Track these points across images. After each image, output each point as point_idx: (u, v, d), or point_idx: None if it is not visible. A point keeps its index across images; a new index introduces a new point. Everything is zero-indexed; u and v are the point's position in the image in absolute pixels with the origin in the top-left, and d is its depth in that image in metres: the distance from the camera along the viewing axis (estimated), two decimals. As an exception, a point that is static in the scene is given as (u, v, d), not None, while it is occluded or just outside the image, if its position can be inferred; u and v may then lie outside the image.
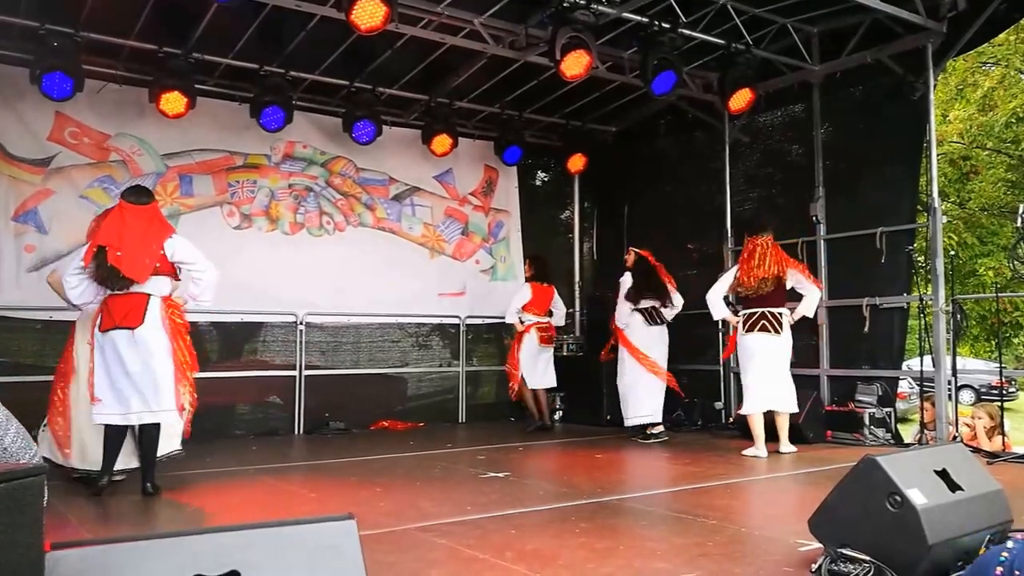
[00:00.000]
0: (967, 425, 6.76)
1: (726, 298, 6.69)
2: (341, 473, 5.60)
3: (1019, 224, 6.80)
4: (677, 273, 7.52)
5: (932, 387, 6.58)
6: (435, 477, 5.46)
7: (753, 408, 6.20)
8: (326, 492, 4.92)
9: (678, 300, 7.25)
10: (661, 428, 7.14)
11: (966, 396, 17.02)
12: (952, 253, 10.37)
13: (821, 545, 3.02)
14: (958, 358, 7.06)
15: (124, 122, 7.32)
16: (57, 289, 5.29)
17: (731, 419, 7.57)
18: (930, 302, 6.58)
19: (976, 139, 16.52)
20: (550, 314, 8.12)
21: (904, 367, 7.91)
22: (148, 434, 4.67)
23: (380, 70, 7.72)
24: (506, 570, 3.11)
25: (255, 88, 7.32)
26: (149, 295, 4.64)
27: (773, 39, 7.43)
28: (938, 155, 7.95)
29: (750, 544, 3.53)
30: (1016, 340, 19.00)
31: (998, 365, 8.05)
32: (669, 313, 7.29)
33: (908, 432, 7.81)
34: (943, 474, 2.95)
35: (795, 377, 6.41)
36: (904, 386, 10.72)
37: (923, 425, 6.60)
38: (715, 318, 6.70)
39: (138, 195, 4.82)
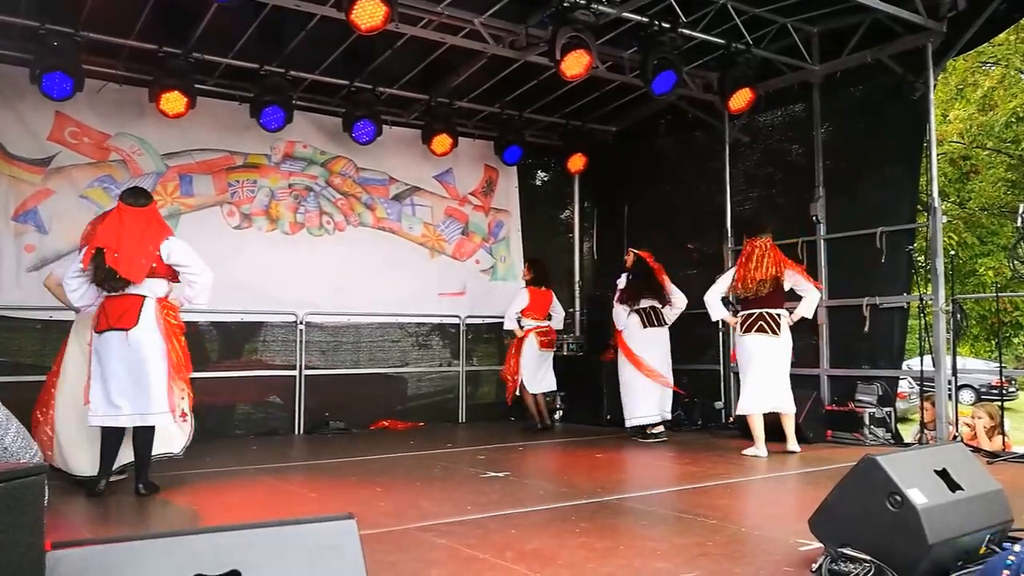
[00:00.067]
0: (967, 425, 6.77)
1: (726, 299, 6.69)
2: (341, 473, 5.60)
3: (1019, 224, 6.81)
4: (677, 273, 7.52)
5: (932, 387, 6.58)
6: (435, 477, 5.46)
7: (749, 408, 6.20)
8: (326, 492, 4.92)
9: (680, 301, 7.24)
10: (662, 428, 7.14)
11: (966, 396, 17.03)
12: (952, 253, 10.37)
13: (821, 545, 3.03)
14: (958, 358, 7.06)
15: (124, 122, 7.32)
16: (54, 292, 5.28)
17: (731, 419, 7.56)
18: (930, 302, 6.58)
19: (976, 139, 16.52)
20: (549, 318, 8.12)
21: (904, 367, 7.91)
22: (141, 436, 4.66)
23: (380, 70, 7.72)
24: (506, 570, 3.11)
25: (255, 88, 7.32)
26: (144, 296, 4.64)
27: (773, 39, 7.43)
28: (938, 155, 7.96)
29: (750, 544, 3.53)
30: (1016, 340, 19.00)
31: (998, 365, 8.06)
32: (670, 313, 7.28)
33: (908, 432, 7.81)
34: (943, 474, 2.95)
35: (795, 377, 6.41)
36: (904, 386, 10.72)
37: (923, 425, 6.60)
38: (713, 319, 6.71)
39: (136, 197, 4.82)
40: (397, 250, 8.72)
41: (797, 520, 3.40)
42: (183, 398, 4.78)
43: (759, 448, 6.11)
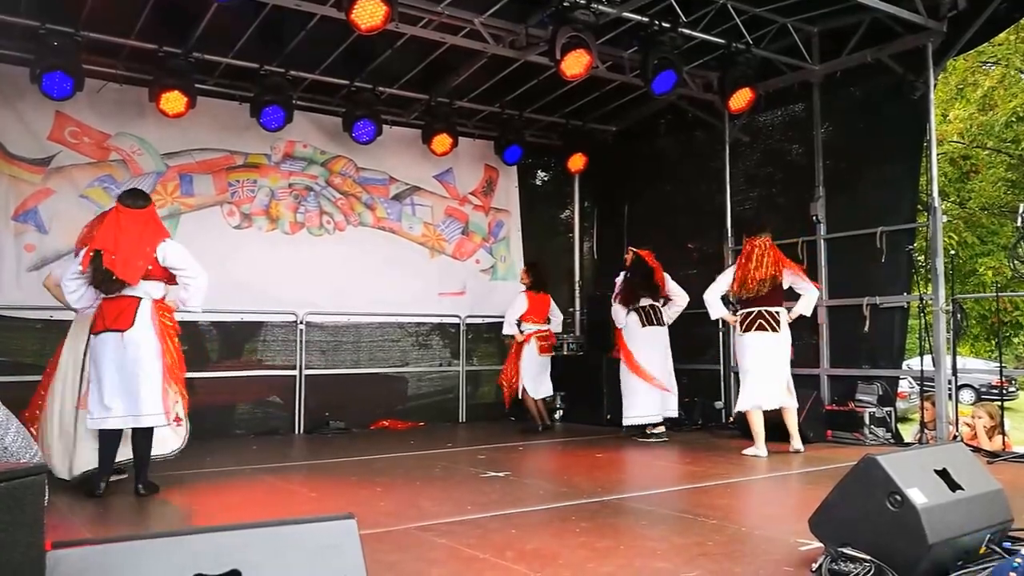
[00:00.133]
0: (967, 424, 6.76)
1: (725, 298, 6.69)
2: (341, 473, 5.60)
3: (1019, 223, 6.81)
4: (677, 273, 7.51)
5: (932, 386, 6.58)
6: (435, 476, 5.46)
7: (747, 404, 6.20)
8: (326, 491, 4.93)
9: (682, 298, 7.22)
10: (662, 428, 7.13)
11: (966, 395, 17.03)
12: (952, 252, 10.36)
13: (821, 544, 3.03)
14: (958, 357, 7.06)
15: (124, 121, 7.32)
16: (53, 292, 5.30)
17: (731, 419, 7.57)
18: (930, 301, 6.58)
19: (976, 138, 16.52)
20: (548, 320, 8.12)
21: (904, 366, 7.91)
22: (140, 437, 4.66)
23: (380, 69, 7.72)
24: (507, 569, 3.11)
25: (255, 87, 7.32)
26: (140, 298, 4.64)
27: (773, 39, 7.43)
28: (938, 154, 7.96)
29: (750, 544, 3.53)
30: (1016, 339, 19.01)
31: (998, 364, 8.06)
32: (671, 312, 7.27)
33: (908, 431, 7.81)
34: (943, 473, 2.95)
35: (795, 377, 6.41)
36: (904, 385, 10.72)
37: (923, 424, 6.60)
38: (713, 317, 6.71)
39: (134, 199, 4.82)
40: (397, 250, 8.72)
41: (797, 520, 3.40)
42: (177, 402, 4.77)
43: (759, 447, 6.11)
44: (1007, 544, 2.96)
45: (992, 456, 5.86)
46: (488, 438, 7.34)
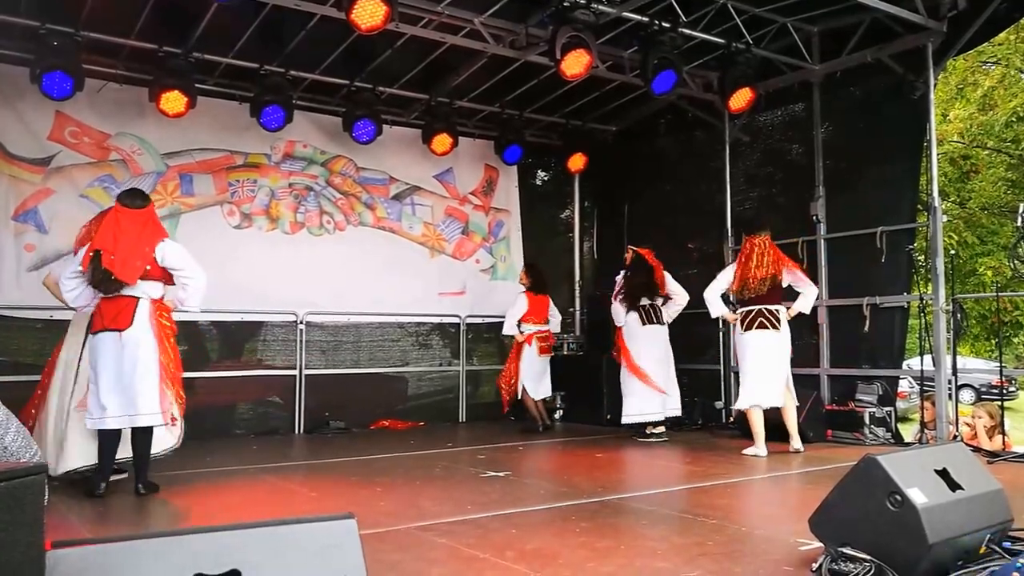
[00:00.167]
0: (967, 424, 6.77)
1: (725, 297, 6.69)
2: (341, 472, 5.60)
3: (1019, 223, 6.81)
4: (677, 272, 7.50)
5: (932, 386, 6.58)
6: (435, 476, 5.46)
7: (748, 403, 6.20)
8: (326, 491, 4.93)
9: (682, 297, 7.21)
10: (662, 428, 7.13)
11: (966, 395, 17.01)
12: (952, 252, 10.36)
13: (821, 544, 3.02)
14: (958, 357, 7.06)
15: (124, 121, 7.32)
16: (53, 291, 5.32)
17: (731, 419, 7.57)
18: (930, 301, 6.58)
19: (976, 138, 16.52)
20: (547, 321, 8.12)
21: (904, 366, 7.90)
22: (140, 436, 4.66)
23: (380, 69, 7.71)
24: (507, 569, 3.11)
25: (255, 87, 7.32)
26: (139, 298, 4.65)
27: (773, 38, 7.43)
28: (938, 154, 7.96)
29: (750, 543, 3.53)
30: (1016, 339, 19.01)
31: (998, 364, 8.06)
32: (670, 310, 7.27)
33: (908, 431, 7.81)
34: (943, 473, 2.95)
35: (795, 377, 6.41)
36: (904, 385, 10.71)
37: (923, 424, 6.60)
38: (712, 315, 6.71)
39: (133, 198, 4.82)
40: (397, 250, 8.72)
41: (797, 520, 3.40)
42: (172, 402, 4.77)
43: (759, 447, 6.11)
44: (1007, 544, 2.96)
45: (992, 456, 5.86)
46: (488, 438, 7.34)
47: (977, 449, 6.10)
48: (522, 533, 3.68)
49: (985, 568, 2.81)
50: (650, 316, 7.17)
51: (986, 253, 15.99)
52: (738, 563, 3.15)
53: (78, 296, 4.75)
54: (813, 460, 5.87)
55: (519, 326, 7.91)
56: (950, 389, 6.53)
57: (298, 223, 8.18)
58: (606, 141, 9.63)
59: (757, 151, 8.36)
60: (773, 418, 6.22)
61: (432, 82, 8.06)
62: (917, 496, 2.75)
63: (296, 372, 7.91)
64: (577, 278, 10.04)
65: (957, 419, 6.64)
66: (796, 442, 6.18)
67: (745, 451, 6.18)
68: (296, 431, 7.77)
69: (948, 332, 6.67)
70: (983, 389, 17.66)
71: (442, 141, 8.26)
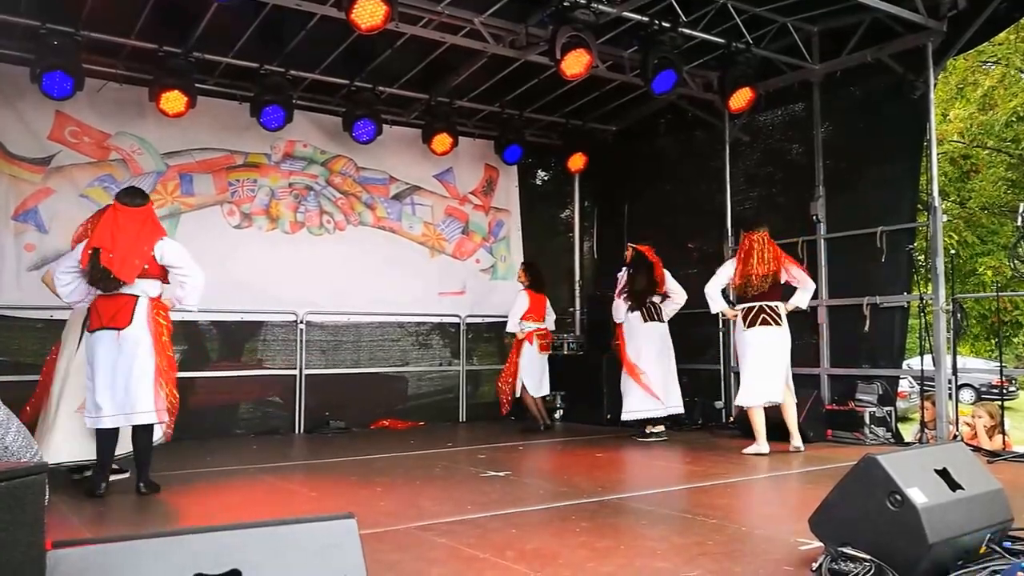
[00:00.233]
0: (967, 424, 6.77)
1: (724, 294, 6.69)
2: (341, 472, 5.60)
3: (1019, 223, 6.81)
4: (677, 272, 7.50)
5: (932, 386, 6.58)
6: (435, 476, 5.46)
7: (748, 401, 6.20)
8: (326, 491, 4.93)
9: (680, 296, 7.21)
10: (661, 428, 7.13)
11: (966, 395, 17.01)
12: (952, 252, 10.36)
13: (822, 544, 3.02)
14: (958, 357, 7.06)
15: (124, 121, 7.32)
16: (52, 288, 5.30)
17: (731, 418, 7.57)
18: (930, 301, 6.58)
19: (976, 138, 16.53)
20: (545, 319, 8.12)
21: (904, 366, 7.90)
22: (140, 435, 4.66)
23: (380, 69, 7.71)
24: (507, 569, 3.11)
25: (255, 87, 7.32)
26: (137, 297, 4.65)
27: (773, 38, 7.43)
28: (938, 154, 7.96)
29: (750, 543, 3.53)
30: (1016, 339, 19.02)
31: (998, 364, 8.06)
32: (669, 309, 7.27)
33: (908, 431, 7.81)
34: (943, 473, 2.95)
35: (795, 377, 6.42)
36: (904, 385, 10.72)
37: (923, 424, 6.60)
38: (713, 311, 6.71)
39: (132, 197, 4.82)
40: (397, 249, 8.72)
41: (797, 519, 3.40)
42: (165, 401, 4.76)
43: (760, 444, 6.11)
44: (1007, 544, 2.96)
45: (992, 456, 5.86)
46: (488, 438, 7.34)
47: (977, 449, 6.10)
48: (522, 533, 3.68)
49: (985, 568, 2.81)
50: (650, 313, 7.17)
51: (986, 253, 16.00)
52: (738, 563, 3.15)
53: (72, 291, 4.75)
54: (813, 460, 5.87)
55: (519, 324, 7.92)
56: (950, 389, 6.53)
57: (298, 223, 8.18)
58: (606, 141, 9.63)
59: (757, 151, 8.36)
60: (773, 416, 6.22)
61: (432, 82, 8.06)
62: (917, 496, 2.75)
63: (296, 372, 7.91)
64: (577, 278, 10.04)
65: (957, 419, 6.64)
66: (796, 440, 6.18)
67: (746, 450, 6.17)
68: (296, 431, 7.77)
69: (948, 332, 6.67)
70: (983, 389, 17.67)
71: (442, 141, 8.26)
